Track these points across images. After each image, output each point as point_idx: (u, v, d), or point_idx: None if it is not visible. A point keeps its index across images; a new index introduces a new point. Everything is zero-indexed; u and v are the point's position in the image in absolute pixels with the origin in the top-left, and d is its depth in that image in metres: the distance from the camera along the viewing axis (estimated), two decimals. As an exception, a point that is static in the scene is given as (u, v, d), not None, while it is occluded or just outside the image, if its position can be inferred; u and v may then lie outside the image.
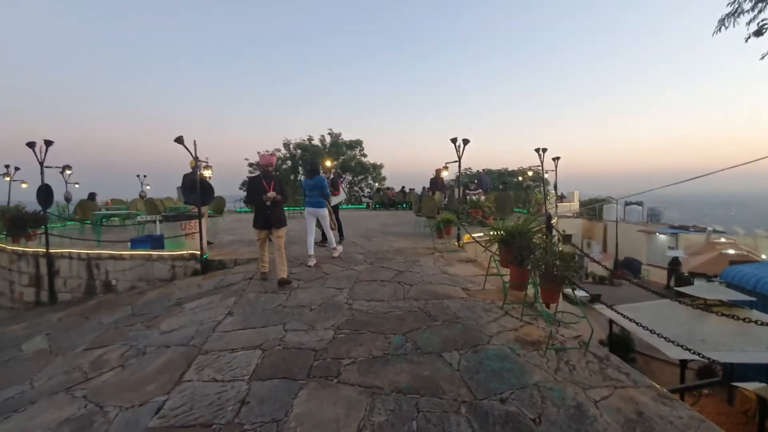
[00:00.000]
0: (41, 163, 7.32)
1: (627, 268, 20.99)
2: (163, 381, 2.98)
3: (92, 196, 12.67)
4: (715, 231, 17.78)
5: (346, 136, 27.65)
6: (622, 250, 21.95)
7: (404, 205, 19.57)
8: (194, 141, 6.40)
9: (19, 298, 7.60)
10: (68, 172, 14.12)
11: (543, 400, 2.51)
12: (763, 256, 14.57)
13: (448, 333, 3.55)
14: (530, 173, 11.27)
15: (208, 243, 7.25)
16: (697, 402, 7.22)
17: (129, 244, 7.01)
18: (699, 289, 7.06)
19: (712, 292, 6.58)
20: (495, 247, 4.60)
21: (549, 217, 4.14)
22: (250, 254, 6.73)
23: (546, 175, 14.14)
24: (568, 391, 2.63)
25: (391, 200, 20.32)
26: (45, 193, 7.54)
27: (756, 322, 3.06)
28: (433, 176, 11.26)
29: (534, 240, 4.03)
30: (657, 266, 19.52)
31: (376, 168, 27.83)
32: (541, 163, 9.52)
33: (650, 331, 3.63)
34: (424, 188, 21.01)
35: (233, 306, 4.50)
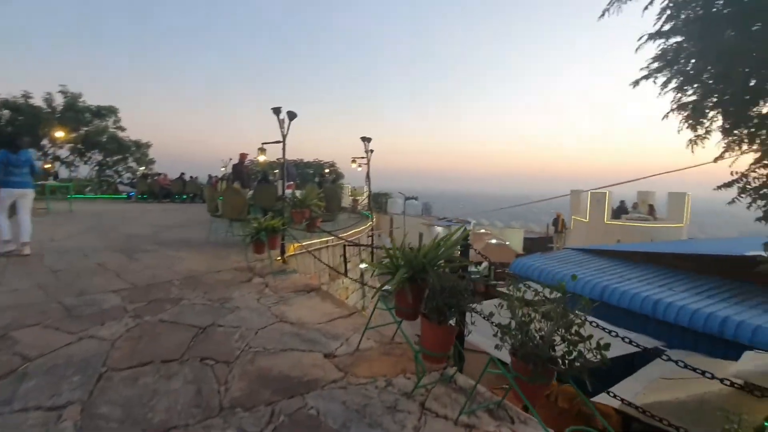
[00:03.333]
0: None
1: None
2: None
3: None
4: (477, 223, 21.54)
5: (93, 101, 20.28)
6: (406, 240, 24.28)
7: (183, 197, 15.66)
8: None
9: None
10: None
11: None
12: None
13: None
14: (355, 165, 10.10)
15: None
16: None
17: None
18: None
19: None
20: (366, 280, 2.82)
21: (466, 236, 2.68)
22: None
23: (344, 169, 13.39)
24: None
25: (163, 189, 15.81)
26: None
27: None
28: (236, 162, 8.44)
29: (454, 275, 2.50)
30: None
31: (141, 147, 21.53)
32: (366, 153, 8.34)
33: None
34: (210, 176, 17.26)
35: None
